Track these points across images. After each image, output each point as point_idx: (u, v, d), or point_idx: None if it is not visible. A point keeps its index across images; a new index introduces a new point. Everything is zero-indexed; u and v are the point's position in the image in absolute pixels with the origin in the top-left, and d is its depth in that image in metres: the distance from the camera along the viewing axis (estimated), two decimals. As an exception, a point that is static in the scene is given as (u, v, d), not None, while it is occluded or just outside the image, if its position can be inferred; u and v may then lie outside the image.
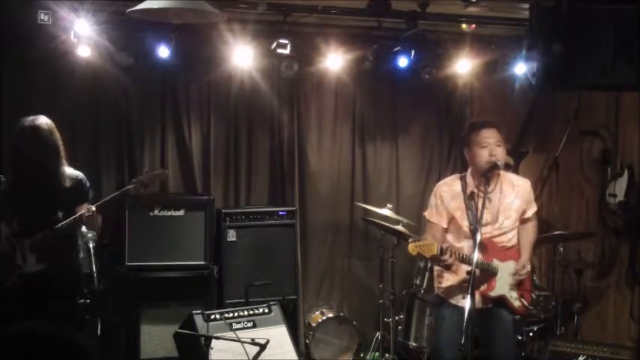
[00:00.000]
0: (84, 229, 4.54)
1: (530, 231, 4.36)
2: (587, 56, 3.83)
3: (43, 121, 4.29)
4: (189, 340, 4.79)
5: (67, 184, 4.31)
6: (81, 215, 4.19)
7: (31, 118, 4.29)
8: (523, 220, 4.32)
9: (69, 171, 4.36)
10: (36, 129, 4.24)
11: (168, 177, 4.55)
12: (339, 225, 6.45)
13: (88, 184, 4.44)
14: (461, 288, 4.12)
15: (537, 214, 4.45)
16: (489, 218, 4.16)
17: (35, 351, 1.73)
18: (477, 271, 3.94)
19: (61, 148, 4.32)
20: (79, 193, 4.35)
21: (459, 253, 4.05)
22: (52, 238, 4.17)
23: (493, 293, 4.16)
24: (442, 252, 4.01)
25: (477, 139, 4.15)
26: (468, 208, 4.18)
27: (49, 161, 4.26)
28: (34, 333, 1.76)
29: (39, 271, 4.18)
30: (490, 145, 4.10)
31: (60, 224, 4.16)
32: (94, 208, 4.23)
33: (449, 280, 4.25)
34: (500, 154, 4.12)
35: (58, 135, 4.31)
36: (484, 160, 4.11)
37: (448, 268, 4.13)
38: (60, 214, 4.20)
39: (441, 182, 4.46)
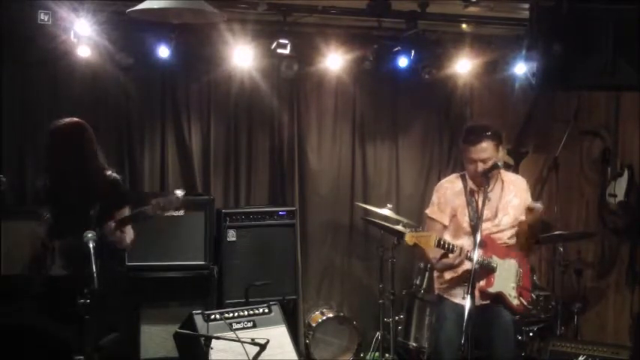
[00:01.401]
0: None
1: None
2: (587, 56, 3.83)
3: (81, 122, 4.26)
4: (189, 340, 4.79)
5: (105, 187, 4.25)
6: (106, 228, 4.12)
7: (68, 119, 4.27)
8: (519, 224, 4.33)
9: (108, 174, 4.31)
10: (74, 130, 4.20)
11: (184, 204, 4.49)
12: (339, 225, 6.45)
13: (125, 187, 4.43)
14: (461, 285, 4.14)
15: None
16: (489, 214, 4.17)
17: (19, 343, 1.74)
18: (477, 267, 3.95)
19: (99, 151, 4.29)
20: (118, 198, 4.30)
21: (453, 245, 4.06)
22: (83, 243, 4.00)
23: (492, 289, 4.17)
24: (440, 244, 4.03)
25: (465, 152, 4.20)
26: (468, 204, 4.20)
27: (86, 163, 4.21)
28: (19, 326, 1.78)
29: (62, 276, 4.13)
30: (476, 163, 4.12)
31: (105, 229, 4.07)
32: (113, 225, 4.16)
33: (449, 277, 4.26)
34: (491, 163, 4.11)
35: (94, 137, 4.28)
36: (471, 174, 4.19)
37: (452, 267, 4.13)
38: (94, 219, 4.10)
39: (443, 180, 4.50)
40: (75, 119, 4.31)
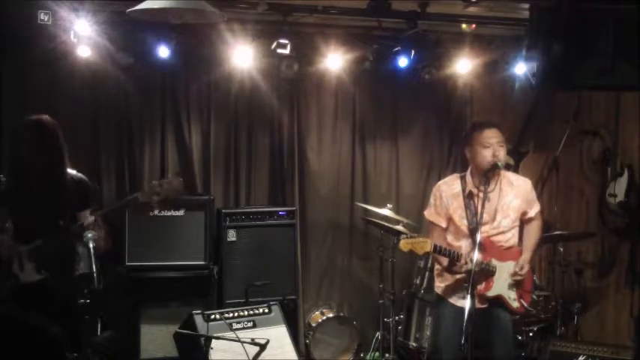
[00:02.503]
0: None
1: (533, 231, 4.35)
2: (587, 56, 3.83)
3: (48, 120, 4.08)
4: (189, 340, 4.78)
5: (71, 187, 4.08)
6: (86, 224, 3.90)
7: (34, 117, 4.09)
8: (526, 220, 4.32)
9: (72, 174, 4.15)
10: (40, 128, 4.02)
11: (181, 189, 4.12)
12: (339, 225, 6.45)
13: (91, 189, 4.23)
14: (460, 287, 4.12)
15: (540, 213, 4.44)
16: (487, 217, 4.15)
17: (7, 339, 1.74)
18: (476, 270, 3.94)
19: (65, 149, 4.10)
20: (82, 198, 4.11)
21: (454, 252, 4.06)
22: (52, 246, 3.93)
23: (490, 293, 4.15)
24: (436, 249, 4.02)
25: (479, 138, 4.15)
26: (466, 207, 4.18)
27: (52, 163, 4.03)
28: (6, 322, 1.78)
29: (38, 281, 3.93)
30: (493, 146, 4.10)
31: (74, 228, 3.87)
32: (92, 219, 3.94)
33: (448, 279, 4.26)
34: (502, 154, 4.12)
35: (62, 136, 4.09)
36: (486, 160, 4.11)
37: (451, 269, 4.12)
38: (62, 221, 3.96)
39: (441, 182, 4.46)
40: (47, 116, 4.12)
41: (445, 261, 4.13)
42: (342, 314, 6.17)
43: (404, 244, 3.98)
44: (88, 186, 4.23)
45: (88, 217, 4.03)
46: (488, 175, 4.08)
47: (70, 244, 4.05)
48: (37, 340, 1.82)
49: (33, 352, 1.80)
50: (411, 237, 4.03)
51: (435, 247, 4.02)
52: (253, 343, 4.39)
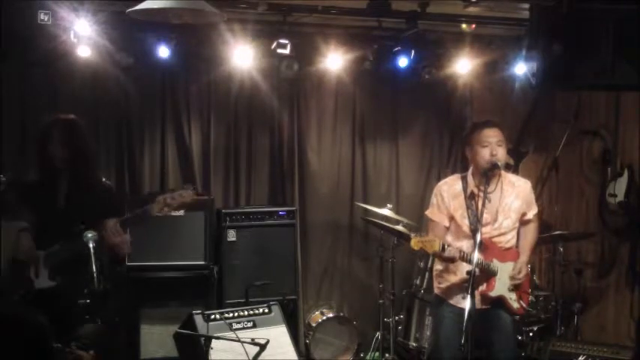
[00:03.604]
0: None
1: (530, 233, 4.34)
2: (587, 56, 3.83)
3: (77, 120, 4.00)
4: (189, 340, 4.78)
5: (97, 194, 4.00)
6: (108, 229, 3.79)
7: (63, 115, 4.00)
8: (524, 222, 4.32)
9: (100, 179, 4.10)
10: (70, 126, 3.93)
11: (196, 199, 4.08)
12: (339, 225, 6.45)
13: (116, 197, 4.15)
14: (460, 288, 4.12)
15: (538, 215, 4.44)
16: (489, 218, 4.15)
17: None
18: (477, 271, 3.94)
19: (94, 151, 4.08)
20: (108, 206, 3.99)
21: (460, 250, 4.06)
22: (69, 252, 3.81)
23: (492, 293, 4.16)
24: (444, 248, 4.02)
25: (478, 137, 4.15)
26: (468, 207, 4.18)
27: (81, 163, 3.94)
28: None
29: (49, 288, 3.85)
30: (491, 145, 4.11)
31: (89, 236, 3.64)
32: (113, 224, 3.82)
33: (448, 280, 4.26)
34: (501, 153, 4.12)
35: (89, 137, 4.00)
36: (485, 160, 4.11)
37: (452, 261, 4.11)
38: (82, 227, 3.76)
39: (442, 182, 4.45)
40: (75, 116, 4.07)
41: (451, 259, 4.13)
42: (342, 314, 6.17)
43: (415, 243, 3.98)
44: (115, 196, 4.16)
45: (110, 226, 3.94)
46: (488, 174, 4.08)
47: (86, 250, 3.86)
48: (25, 329, 1.82)
49: (20, 340, 1.81)
50: (421, 236, 4.04)
51: (444, 246, 4.03)
52: (253, 343, 4.39)
